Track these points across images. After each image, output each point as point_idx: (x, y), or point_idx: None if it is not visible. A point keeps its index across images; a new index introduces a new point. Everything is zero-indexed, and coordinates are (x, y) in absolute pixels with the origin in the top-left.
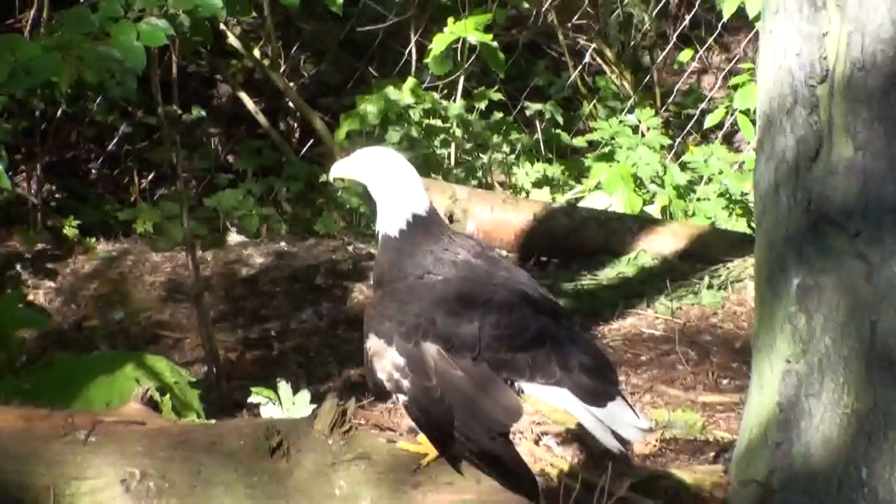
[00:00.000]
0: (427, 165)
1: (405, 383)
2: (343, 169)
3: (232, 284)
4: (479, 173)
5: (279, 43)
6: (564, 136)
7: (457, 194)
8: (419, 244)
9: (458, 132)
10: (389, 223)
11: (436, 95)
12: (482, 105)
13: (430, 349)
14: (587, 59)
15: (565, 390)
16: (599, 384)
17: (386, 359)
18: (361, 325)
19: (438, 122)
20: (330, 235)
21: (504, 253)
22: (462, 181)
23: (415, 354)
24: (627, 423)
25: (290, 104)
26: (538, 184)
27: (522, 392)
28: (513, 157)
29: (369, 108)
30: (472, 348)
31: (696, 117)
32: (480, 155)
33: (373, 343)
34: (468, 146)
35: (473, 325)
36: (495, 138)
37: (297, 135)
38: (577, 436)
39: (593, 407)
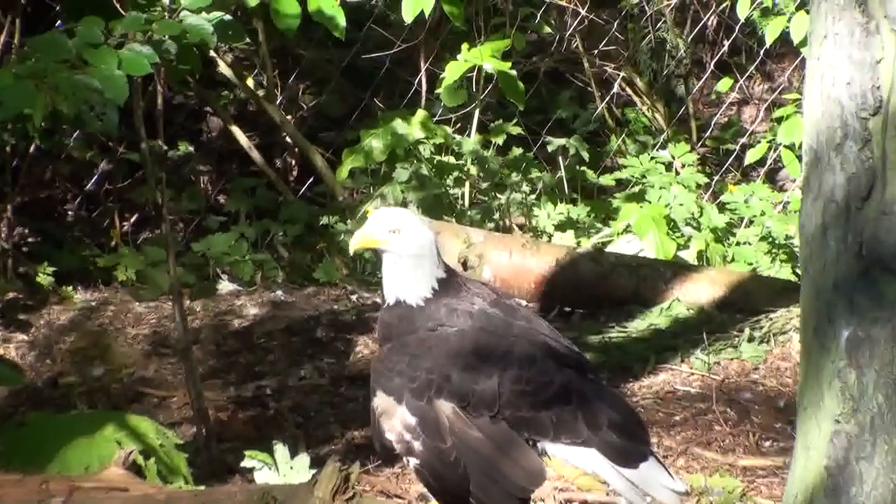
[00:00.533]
0: (439, 207)
1: (416, 445)
2: (364, 240)
3: (223, 337)
4: (496, 215)
5: (275, 72)
6: (590, 174)
7: (471, 238)
8: (433, 298)
9: (473, 170)
10: (413, 292)
11: (448, 129)
12: (499, 140)
13: (445, 407)
14: (615, 89)
15: (593, 450)
16: (630, 443)
17: (395, 418)
18: (366, 381)
19: (451, 159)
20: (331, 283)
21: (523, 302)
22: (477, 224)
23: (427, 413)
24: (662, 485)
25: (288, 139)
26: (561, 227)
27: (546, 453)
28: (533, 197)
29: (374, 143)
30: (491, 406)
31: (735, 153)
32: (497, 195)
33: (381, 401)
34: (484, 185)
35: (492, 380)
36: (514, 176)
37: (294, 172)
38: (605, 503)
39: (624, 468)
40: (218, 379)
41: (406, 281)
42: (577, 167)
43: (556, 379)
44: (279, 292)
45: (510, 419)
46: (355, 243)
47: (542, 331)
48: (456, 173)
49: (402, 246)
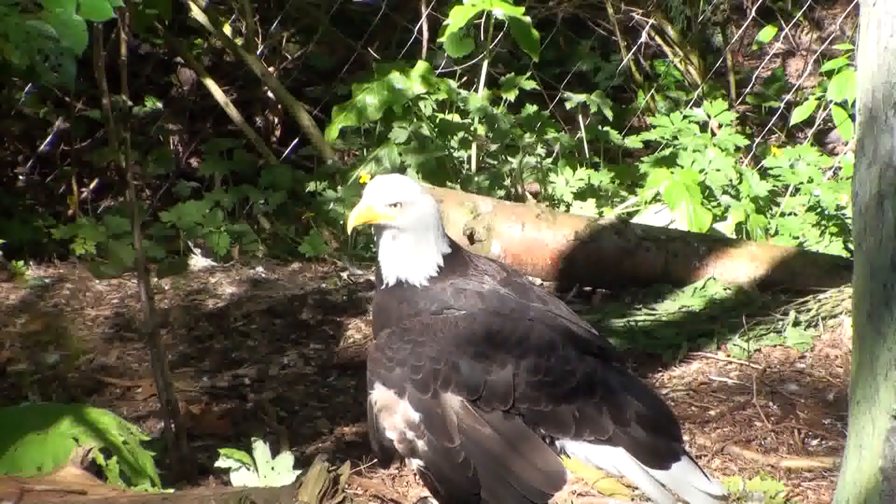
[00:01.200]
0: (441, 172)
1: (420, 444)
2: (362, 217)
3: (195, 320)
4: (507, 181)
5: (255, 17)
6: (614, 135)
7: (479, 208)
8: (438, 278)
9: (481, 130)
10: (416, 271)
11: (452, 84)
12: (511, 96)
13: (453, 401)
14: (643, 38)
15: (620, 449)
16: (661, 441)
17: (397, 414)
18: (359, 370)
19: (456, 118)
20: (319, 259)
21: (538, 281)
22: (486, 191)
23: (433, 408)
24: (696, 487)
25: (269, 94)
26: (581, 195)
27: (565, 453)
28: (549, 161)
29: (368, 99)
30: (505, 399)
31: (779, 111)
32: (509, 158)
33: (379, 394)
34: (493, 147)
35: (506, 370)
36: (527, 137)
37: (277, 132)
38: None
39: (654, 469)
40: (189, 367)
41: (407, 258)
42: (600, 127)
43: (578, 368)
44: (259, 269)
45: (526, 414)
46: (352, 221)
47: (560, 314)
48: (461, 134)
49: (404, 220)
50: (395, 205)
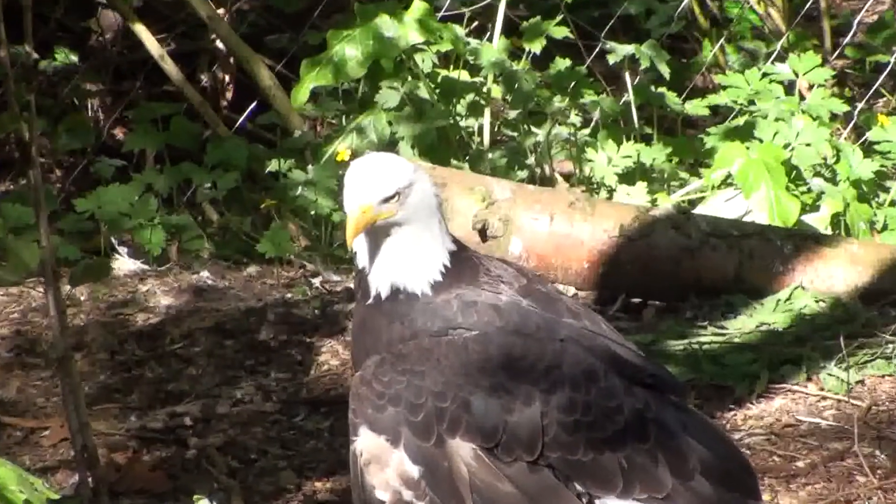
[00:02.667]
0: (444, 147)
1: None
2: (365, 221)
3: (120, 341)
4: (531, 159)
5: None
6: (672, 99)
7: (493, 194)
8: (441, 286)
9: (496, 91)
10: (416, 277)
11: (459, 31)
12: (536, 47)
13: (463, 450)
14: None
15: None
16: (733, 499)
17: (389, 468)
18: (335, 408)
19: (464, 76)
20: (283, 261)
21: (570, 290)
22: (502, 172)
23: (437, 460)
24: None
25: (219, 44)
26: (628, 177)
27: None
28: (586, 132)
29: (349, 50)
30: (531, 446)
31: (889, 68)
32: (533, 129)
33: (366, 442)
34: (512, 115)
35: (531, 408)
36: (557, 101)
37: (229, 95)
38: None
39: None
40: (113, 403)
41: (407, 257)
42: (653, 88)
43: (625, 404)
44: (205, 274)
45: (558, 465)
46: (353, 234)
47: (600, 332)
48: (470, 96)
49: (405, 210)
50: (394, 197)
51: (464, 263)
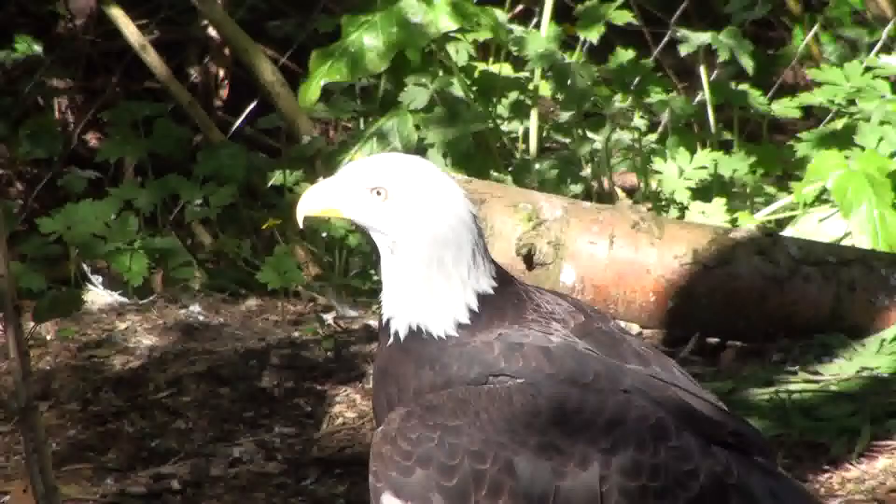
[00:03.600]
0: (482, 156)
1: None
2: (320, 201)
3: (94, 389)
4: (586, 171)
5: None
6: (756, 98)
7: (541, 213)
8: (476, 325)
9: (545, 89)
10: (435, 315)
11: (501, 15)
12: (593, 36)
13: None
14: None
15: None
16: None
17: None
18: (351, 469)
19: (506, 70)
20: (289, 293)
21: (634, 328)
22: (552, 186)
23: None
24: None
25: (212, 32)
26: (703, 191)
27: None
28: (653, 138)
29: (367, 40)
30: None
31: None
32: (589, 134)
33: None
34: (564, 117)
35: (589, 471)
36: (618, 101)
37: (223, 93)
38: None
39: None
40: (85, 462)
41: (419, 292)
42: (733, 85)
43: (701, 466)
44: (195, 308)
45: None
46: (303, 206)
47: (672, 380)
48: (514, 95)
49: (392, 222)
50: (377, 192)
51: (507, 297)
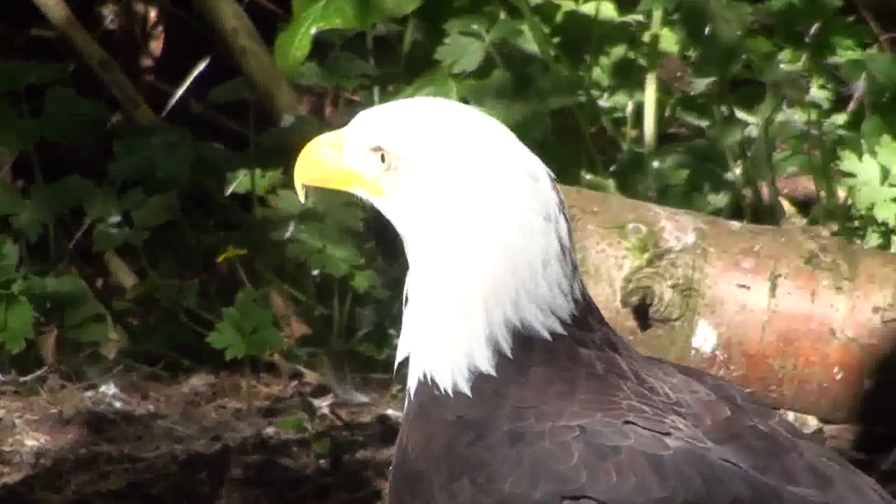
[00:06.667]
0: (567, 146)
1: None
2: (315, 164)
3: None
4: (734, 171)
5: None
6: None
7: (662, 238)
8: (546, 398)
9: (669, 40)
10: (449, 357)
11: None
12: None
13: None
14: None
15: None
16: None
17: None
18: None
19: (606, 9)
20: (259, 364)
21: (810, 422)
22: (678, 196)
23: None
24: None
25: None
26: None
27: None
28: (839, 120)
29: None
30: None
31: None
32: (739, 114)
33: None
34: (700, 86)
35: None
36: (785, 61)
37: (156, 46)
38: None
39: None
40: None
41: (429, 316)
42: None
43: None
44: (109, 389)
45: None
46: (299, 168)
47: None
48: (619, 50)
49: (400, 199)
50: (378, 152)
51: (594, 367)
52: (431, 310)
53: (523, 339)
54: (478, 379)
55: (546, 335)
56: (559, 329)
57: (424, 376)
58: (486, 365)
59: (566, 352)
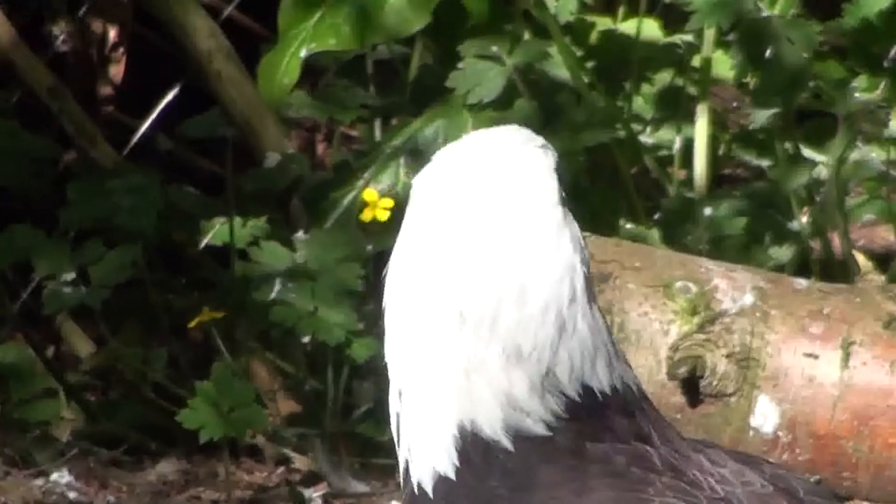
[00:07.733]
0: (607, 192)
1: None
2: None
3: None
4: (800, 220)
5: None
6: None
7: (715, 298)
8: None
9: (724, 64)
10: (425, 448)
11: None
12: None
13: None
14: None
15: None
16: None
17: None
18: None
19: (649, 28)
20: (239, 447)
21: None
22: (735, 249)
23: None
24: None
25: None
26: None
27: None
28: None
29: None
30: None
31: None
32: (806, 152)
33: None
34: (760, 119)
35: None
36: (860, 88)
37: (116, 70)
38: None
39: None
40: None
41: (411, 395)
42: None
43: None
44: (62, 478)
45: None
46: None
47: None
48: (664, 76)
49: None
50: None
51: (602, 460)
52: (408, 406)
53: (487, 444)
54: (455, 486)
55: (537, 432)
56: (553, 423)
57: (418, 484)
58: (452, 472)
59: (569, 448)
